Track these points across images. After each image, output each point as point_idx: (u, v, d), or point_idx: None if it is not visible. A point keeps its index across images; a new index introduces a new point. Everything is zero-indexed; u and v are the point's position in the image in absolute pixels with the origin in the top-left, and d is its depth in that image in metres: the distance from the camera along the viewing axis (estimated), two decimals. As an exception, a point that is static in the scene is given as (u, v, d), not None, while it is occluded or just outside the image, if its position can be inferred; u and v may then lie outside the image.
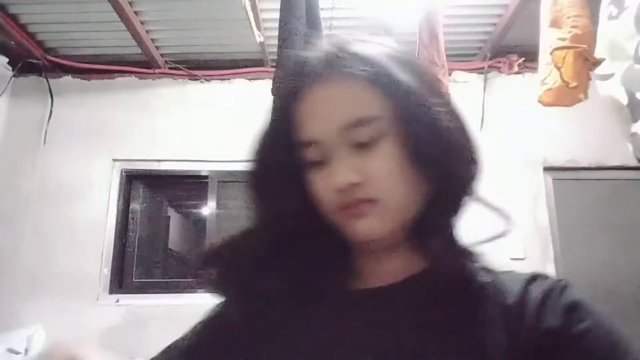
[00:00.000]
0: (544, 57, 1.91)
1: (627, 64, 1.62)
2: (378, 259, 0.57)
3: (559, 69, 1.64)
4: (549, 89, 1.86)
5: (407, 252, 0.57)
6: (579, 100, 1.80)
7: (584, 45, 1.59)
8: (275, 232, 0.57)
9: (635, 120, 1.62)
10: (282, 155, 0.55)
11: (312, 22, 2.07)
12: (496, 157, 3.18)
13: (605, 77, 1.68)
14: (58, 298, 2.89)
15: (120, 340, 2.84)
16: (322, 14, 2.21)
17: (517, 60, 3.26)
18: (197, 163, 3.19)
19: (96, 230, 3.03)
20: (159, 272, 3.39)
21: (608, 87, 1.65)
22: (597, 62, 1.60)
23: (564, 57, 1.63)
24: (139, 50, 3.11)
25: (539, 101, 1.94)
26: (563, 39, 1.61)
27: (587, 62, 1.61)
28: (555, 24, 1.66)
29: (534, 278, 0.54)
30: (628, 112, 1.65)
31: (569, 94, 1.79)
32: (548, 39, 1.67)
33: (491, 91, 3.27)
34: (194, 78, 3.33)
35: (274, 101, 0.62)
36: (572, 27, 1.61)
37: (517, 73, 3.28)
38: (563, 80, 1.65)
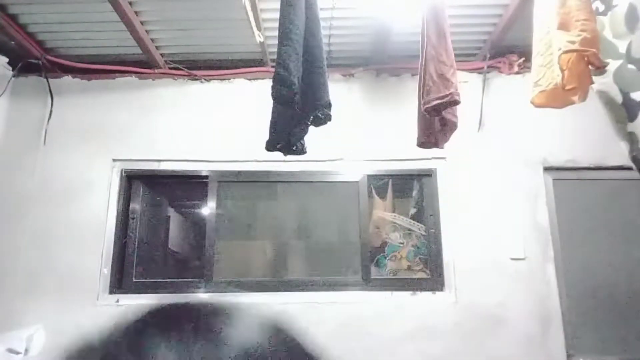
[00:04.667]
0: (537, 59, 1.91)
1: (619, 62, 1.63)
2: None
3: (563, 71, 1.61)
4: (542, 91, 1.86)
5: None
6: (571, 103, 1.79)
7: (594, 50, 1.56)
8: None
9: (631, 120, 1.62)
10: None
11: (311, 22, 2.07)
12: (496, 157, 3.18)
13: (599, 73, 1.69)
14: (58, 298, 2.89)
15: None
16: (322, 14, 2.21)
17: (517, 60, 3.26)
18: (197, 163, 3.19)
19: (96, 230, 3.03)
20: (159, 272, 3.38)
21: (601, 82, 1.67)
22: (603, 67, 1.59)
23: (569, 60, 1.61)
24: (139, 50, 3.12)
25: (531, 102, 1.94)
26: (572, 42, 1.57)
27: (589, 65, 1.60)
28: (563, 26, 1.62)
29: None
30: (624, 111, 1.66)
31: (562, 96, 1.78)
32: (556, 41, 1.62)
33: (491, 91, 3.27)
34: (194, 78, 3.33)
35: None
36: (582, 30, 1.57)
37: (517, 73, 3.29)
38: (562, 83, 1.64)
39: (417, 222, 3.27)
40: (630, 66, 1.62)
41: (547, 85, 1.82)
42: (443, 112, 2.17)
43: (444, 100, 2.05)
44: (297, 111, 1.93)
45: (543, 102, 1.90)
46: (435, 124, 2.33)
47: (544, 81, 1.85)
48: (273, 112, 2.03)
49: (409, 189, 3.39)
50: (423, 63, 2.18)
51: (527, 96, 2.00)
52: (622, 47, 1.65)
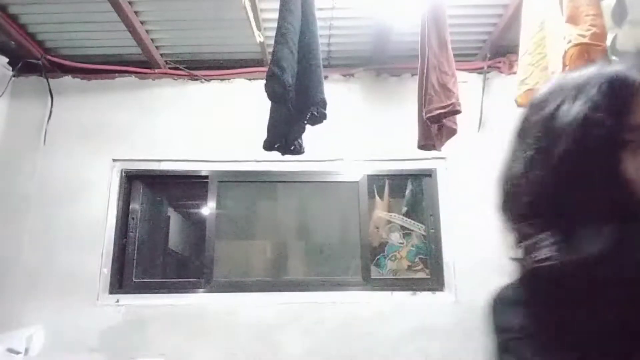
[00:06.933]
0: (525, 57, 1.91)
1: None
2: None
3: (565, 66, 1.62)
4: (529, 90, 1.87)
5: None
6: None
7: (604, 45, 1.57)
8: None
9: None
10: (607, 134, 0.59)
11: (308, 20, 2.08)
12: (496, 157, 3.17)
13: None
14: (58, 298, 2.89)
15: (120, 340, 2.85)
16: (322, 14, 2.22)
17: (517, 60, 3.26)
18: (197, 163, 3.19)
19: (96, 230, 3.03)
20: (159, 272, 3.39)
21: None
22: None
23: (571, 55, 1.62)
24: (139, 50, 3.12)
25: (516, 101, 1.95)
26: (583, 36, 1.58)
27: (588, 62, 1.61)
28: (572, 20, 1.63)
29: None
30: None
31: None
32: (566, 34, 1.62)
33: (491, 91, 3.27)
34: (194, 78, 3.33)
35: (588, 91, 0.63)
36: (591, 25, 1.59)
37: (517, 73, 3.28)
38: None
39: (411, 220, 3.27)
40: (613, 58, 1.63)
41: (535, 84, 1.83)
42: (444, 120, 2.20)
43: (446, 110, 2.09)
44: (291, 109, 1.94)
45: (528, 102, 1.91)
46: (433, 130, 2.35)
47: (531, 80, 1.86)
48: (271, 112, 2.04)
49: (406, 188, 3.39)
50: (425, 71, 2.19)
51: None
52: (607, 39, 1.67)
